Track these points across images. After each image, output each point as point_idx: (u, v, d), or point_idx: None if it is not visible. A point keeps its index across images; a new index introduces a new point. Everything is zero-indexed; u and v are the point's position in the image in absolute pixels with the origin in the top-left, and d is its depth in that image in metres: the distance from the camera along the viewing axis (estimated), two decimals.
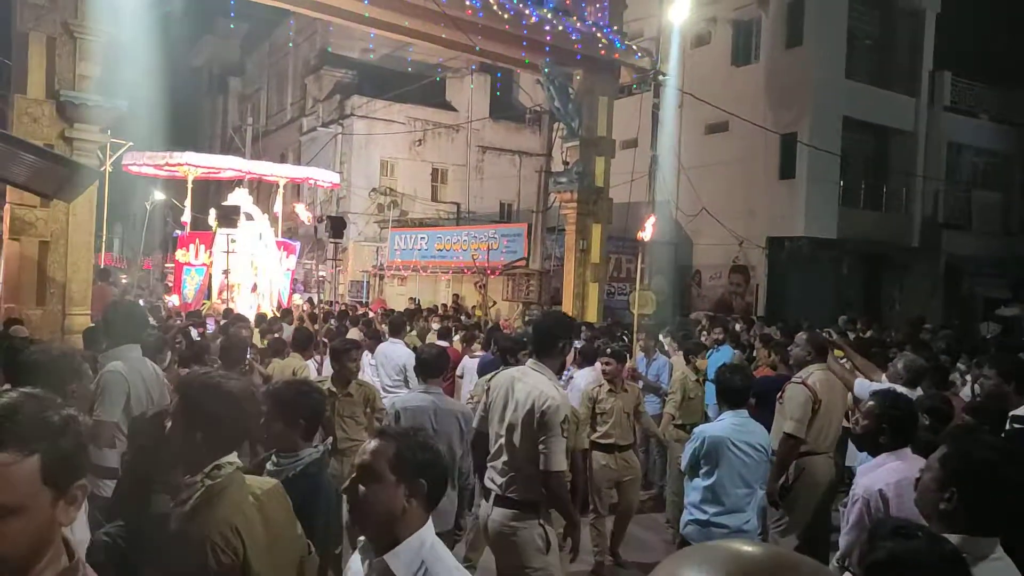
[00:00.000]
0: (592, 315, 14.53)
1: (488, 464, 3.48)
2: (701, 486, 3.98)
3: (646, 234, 8.65)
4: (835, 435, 4.94)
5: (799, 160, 19.13)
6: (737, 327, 11.78)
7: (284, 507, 2.28)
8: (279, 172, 16.97)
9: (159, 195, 25.80)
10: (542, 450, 3.26)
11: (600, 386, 5.72)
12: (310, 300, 17.45)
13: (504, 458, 3.38)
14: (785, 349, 6.31)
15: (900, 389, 5.13)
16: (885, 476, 2.84)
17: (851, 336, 12.97)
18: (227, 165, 15.87)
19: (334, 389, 4.78)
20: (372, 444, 1.91)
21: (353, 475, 1.92)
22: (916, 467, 2.90)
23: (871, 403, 3.05)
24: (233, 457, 2.17)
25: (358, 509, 1.89)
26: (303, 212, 13.11)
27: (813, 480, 4.84)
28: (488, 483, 3.47)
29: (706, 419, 7.18)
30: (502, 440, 3.39)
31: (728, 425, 4.02)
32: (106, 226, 16.48)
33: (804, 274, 19.40)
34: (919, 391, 5.32)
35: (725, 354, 7.84)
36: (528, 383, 3.40)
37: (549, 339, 3.54)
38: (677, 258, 21.13)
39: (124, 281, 24.56)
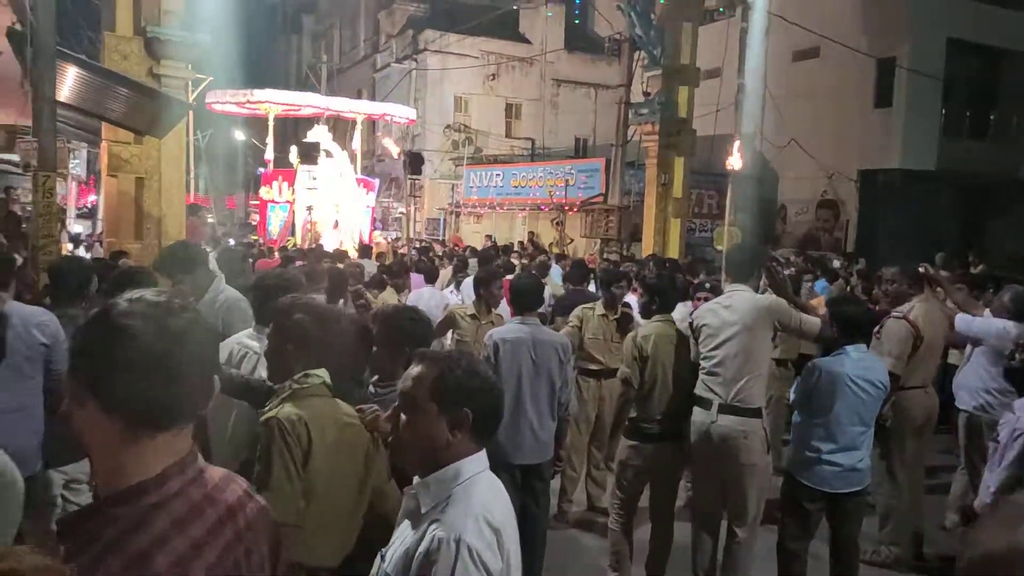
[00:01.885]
0: (674, 251, 14.18)
1: (705, 377, 3.92)
2: (813, 422, 3.75)
3: (735, 161, 8.23)
4: (934, 370, 4.79)
5: (897, 87, 17.93)
6: (836, 263, 11.29)
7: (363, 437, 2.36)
8: (356, 108, 16.96)
9: (239, 134, 26.30)
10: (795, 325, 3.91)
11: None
12: (396, 239, 17.64)
13: (730, 370, 3.83)
14: (884, 282, 5.99)
15: (1005, 322, 4.80)
16: None
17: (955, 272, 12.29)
18: (306, 102, 15.94)
19: (476, 315, 5.07)
20: (414, 370, 1.70)
21: (395, 404, 1.77)
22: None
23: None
24: (322, 372, 2.36)
25: (399, 441, 1.74)
26: (391, 145, 13.06)
27: (909, 415, 4.68)
28: (707, 394, 3.90)
29: (802, 358, 6.94)
30: (723, 355, 3.85)
31: (848, 359, 3.75)
32: (193, 164, 16.87)
33: (898, 209, 18.38)
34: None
35: (820, 289, 7.50)
36: (741, 298, 3.93)
37: (748, 265, 4.16)
38: (762, 192, 20.26)
39: (211, 220, 25.39)
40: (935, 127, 18.24)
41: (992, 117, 19.54)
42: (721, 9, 16.27)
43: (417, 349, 2.71)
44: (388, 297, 6.50)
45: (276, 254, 9.68)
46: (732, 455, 3.81)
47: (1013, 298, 5.05)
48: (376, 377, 2.96)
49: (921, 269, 5.52)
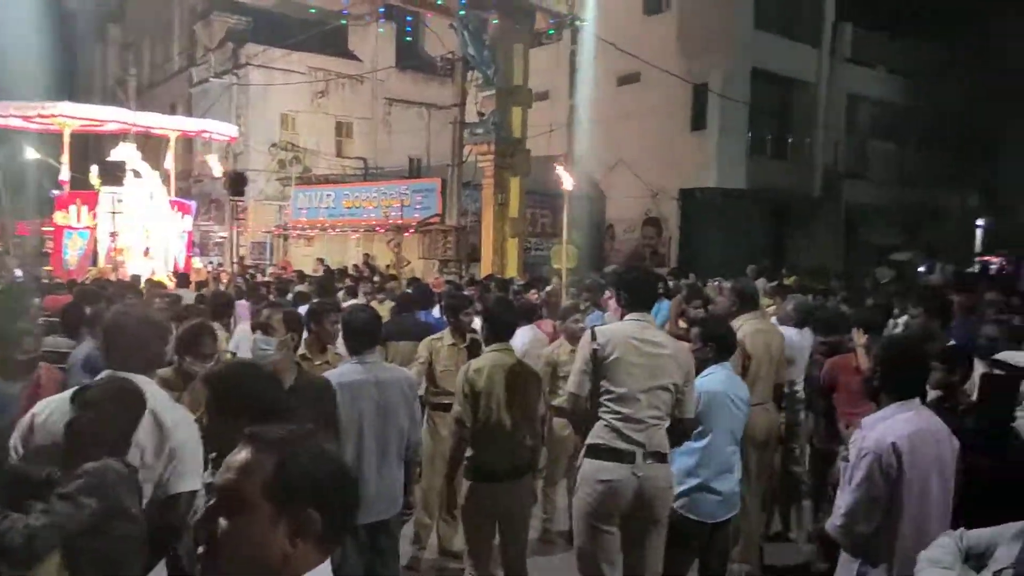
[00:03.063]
0: (512, 271, 14.20)
1: (616, 422, 3.34)
2: (694, 448, 3.60)
3: (567, 182, 8.21)
4: (768, 387, 4.75)
5: (710, 111, 19.24)
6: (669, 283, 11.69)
7: None
8: (169, 125, 15.52)
9: (31, 152, 23.45)
10: (681, 398, 3.42)
11: (559, 347, 5.29)
12: (218, 264, 16.31)
13: (651, 413, 3.35)
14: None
15: (790, 330, 5.08)
16: (897, 428, 2.57)
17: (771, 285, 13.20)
18: (110, 117, 14.35)
19: (308, 356, 4.27)
20: (239, 456, 1.28)
21: (210, 502, 1.32)
22: (930, 420, 2.66)
23: (874, 348, 2.80)
24: None
25: (213, 553, 1.27)
26: (215, 163, 11.95)
27: (748, 434, 4.69)
28: (621, 443, 3.32)
29: None
30: (643, 396, 3.34)
31: (722, 378, 3.71)
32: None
33: (715, 225, 19.66)
34: (807, 332, 5.30)
35: (662, 307, 7.63)
36: (659, 336, 3.53)
37: (648, 292, 3.68)
38: (591, 212, 20.98)
39: None
40: (743, 148, 19.76)
41: (789, 140, 21.52)
42: (551, 32, 16.64)
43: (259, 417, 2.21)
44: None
45: (66, 290, 8.46)
46: (654, 510, 3.38)
47: (796, 307, 5.38)
48: (214, 455, 2.39)
49: (716, 283, 5.75)
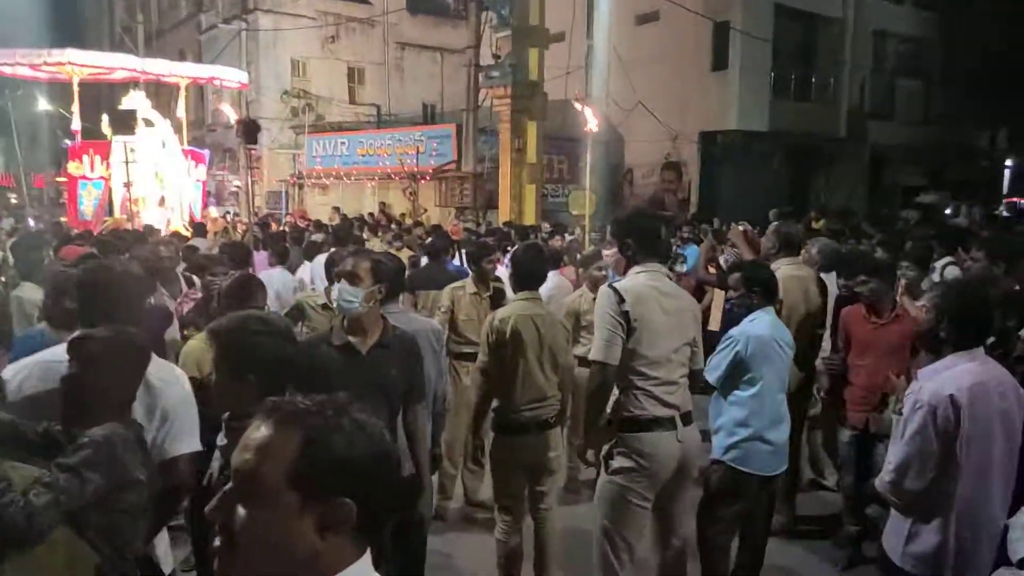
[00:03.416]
0: (530, 217, 13.99)
1: (652, 387, 3.10)
2: (743, 398, 3.39)
3: (591, 123, 7.92)
4: (800, 335, 4.52)
5: (732, 50, 18.63)
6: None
7: None
8: (179, 71, 15.20)
9: (44, 103, 23.27)
10: (696, 350, 3.28)
11: (581, 295, 5.12)
12: (234, 214, 16.21)
13: (680, 372, 3.19)
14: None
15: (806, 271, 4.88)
16: (957, 379, 2.42)
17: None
18: (118, 64, 14.04)
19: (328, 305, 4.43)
20: (259, 432, 1.06)
21: (227, 486, 1.08)
22: (995, 371, 2.51)
23: (932, 295, 2.62)
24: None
25: (230, 546, 1.05)
26: (229, 110, 11.69)
27: None
28: (664, 410, 3.11)
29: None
30: (674, 357, 3.16)
31: (768, 323, 3.48)
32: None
33: (736, 169, 19.24)
34: (833, 276, 5.13)
35: (692, 254, 7.45)
36: (674, 288, 3.29)
37: (660, 239, 3.32)
38: (609, 156, 20.60)
39: (14, 202, 22.44)
40: (766, 89, 19.18)
41: (813, 79, 20.86)
42: None
43: (266, 376, 2.03)
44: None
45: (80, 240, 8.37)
46: (690, 471, 3.27)
47: (821, 250, 5.17)
48: (227, 415, 2.21)
49: (741, 228, 5.53)
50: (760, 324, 3.47)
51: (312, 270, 6.94)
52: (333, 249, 5.93)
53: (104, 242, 8.02)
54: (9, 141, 39.95)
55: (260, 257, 8.21)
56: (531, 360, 3.57)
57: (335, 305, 3.02)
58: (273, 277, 6.64)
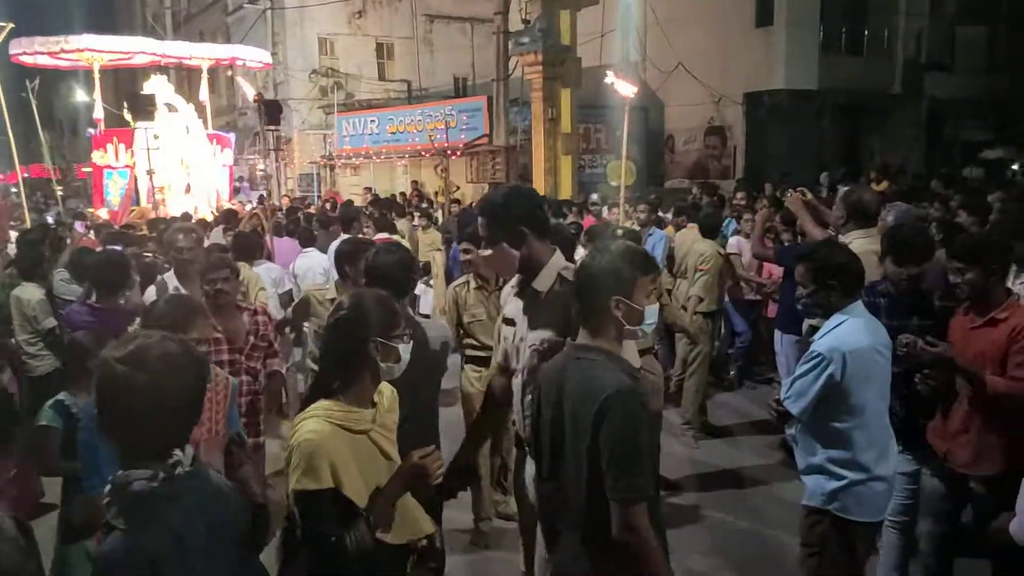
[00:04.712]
0: (566, 191, 13.31)
1: None
2: (845, 431, 2.67)
3: (625, 89, 7.16)
4: None
5: (777, 4, 17.54)
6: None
7: None
8: (199, 53, 14.77)
9: (81, 94, 23.23)
10: None
11: None
12: (260, 198, 15.85)
13: None
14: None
15: None
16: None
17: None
18: (137, 48, 13.67)
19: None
20: None
21: None
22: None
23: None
24: None
25: None
26: (247, 86, 11.25)
27: None
28: None
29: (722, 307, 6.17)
30: None
31: (863, 326, 2.70)
32: (41, 135, 14.17)
33: (784, 131, 18.22)
34: None
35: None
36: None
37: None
38: (648, 123, 19.70)
39: (60, 193, 22.23)
40: (815, 45, 18.03)
41: (865, 32, 19.56)
42: None
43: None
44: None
45: (92, 234, 8.01)
46: None
47: (899, 218, 4.41)
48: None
49: (797, 193, 4.77)
50: (853, 331, 2.68)
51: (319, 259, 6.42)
52: (340, 239, 5.38)
53: (118, 233, 7.66)
54: (55, 134, 40.60)
55: (285, 244, 7.75)
56: None
57: None
58: (312, 260, 6.31)
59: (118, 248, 4.86)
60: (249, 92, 10.85)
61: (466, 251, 4.29)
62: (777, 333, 5.18)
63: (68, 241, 7.25)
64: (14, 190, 13.05)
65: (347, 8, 23.14)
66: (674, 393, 5.84)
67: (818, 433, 2.75)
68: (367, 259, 3.19)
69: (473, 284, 4.23)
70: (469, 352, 4.22)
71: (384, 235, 6.89)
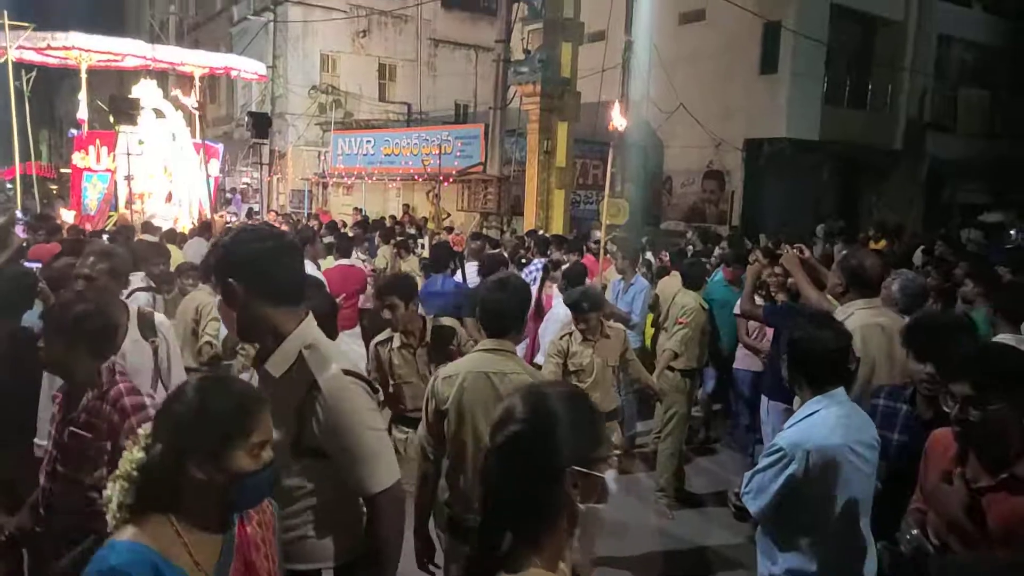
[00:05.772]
0: (558, 226, 12.97)
1: None
2: (805, 543, 2.28)
3: (617, 121, 6.75)
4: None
5: (783, 52, 17.39)
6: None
7: None
8: (191, 60, 14.43)
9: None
10: None
11: (570, 334, 4.12)
12: (238, 213, 15.51)
13: None
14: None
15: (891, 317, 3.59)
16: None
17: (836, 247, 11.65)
18: (126, 50, 13.35)
19: None
20: None
21: None
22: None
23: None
24: None
25: None
26: (186, 99, 10.85)
27: None
28: None
29: (708, 363, 5.73)
30: None
31: (834, 419, 2.27)
32: (29, 132, 13.80)
33: (783, 179, 18.01)
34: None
35: (716, 278, 6.32)
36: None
37: None
38: (647, 162, 19.48)
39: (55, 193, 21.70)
40: (818, 95, 17.90)
41: (870, 87, 19.47)
42: None
43: None
44: (195, 299, 4.75)
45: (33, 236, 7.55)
46: None
47: (904, 287, 3.96)
48: None
49: (795, 250, 4.38)
50: (822, 425, 2.26)
51: None
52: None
53: (74, 242, 7.22)
54: (54, 133, 40.05)
55: None
56: (485, 438, 2.53)
57: None
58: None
59: (27, 264, 4.41)
60: (188, 103, 10.60)
61: (390, 307, 3.62)
62: (764, 399, 4.77)
63: None
64: (9, 186, 12.59)
65: (352, 26, 22.99)
66: (649, 456, 5.41)
67: (779, 538, 2.36)
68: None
69: (396, 343, 3.74)
70: (398, 411, 3.78)
71: (345, 261, 6.49)
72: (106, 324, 2.43)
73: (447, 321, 3.84)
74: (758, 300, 5.10)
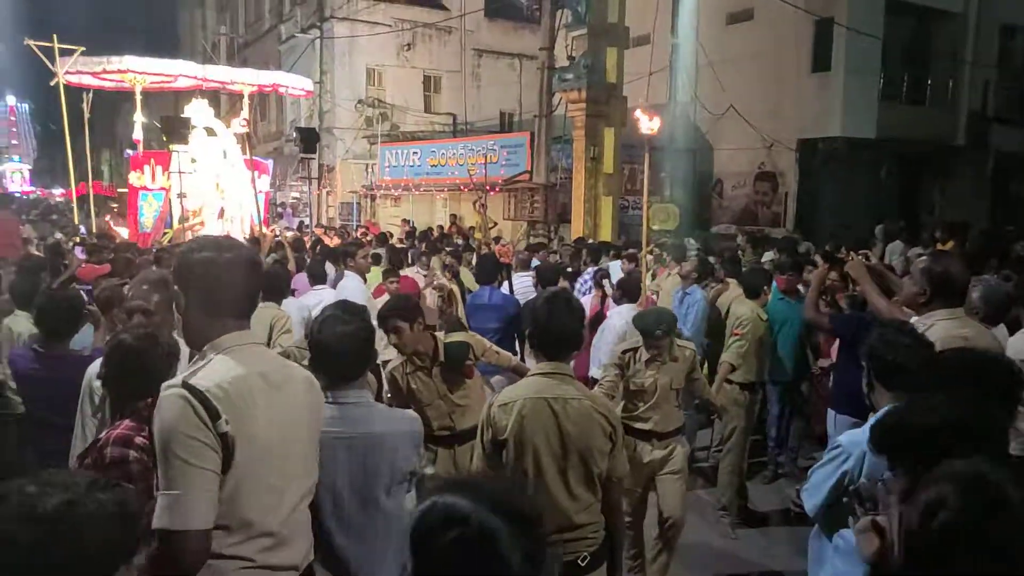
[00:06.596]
0: (606, 233, 12.77)
1: None
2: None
3: (646, 126, 6.48)
4: None
5: (835, 49, 16.87)
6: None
7: None
8: (240, 78, 14.72)
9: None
10: None
11: (635, 350, 3.90)
12: (291, 227, 15.68)
13: None
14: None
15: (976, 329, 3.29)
16: None
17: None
18: (178, 71, 13.66)
19: None
20: None
21: None
22: None
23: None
24: None
25: None
26: (235, 120, 10.95)
27: None
28: None
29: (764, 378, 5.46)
30: None
31: None
32: (88, 152, 14.30)
33: (839, 180, 17.42)
34: (1003, 331, 3.64)
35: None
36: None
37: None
38: (696, 166, 19.11)
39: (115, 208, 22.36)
40: (874, 92, 17.29)
41: (928, 81, 18.76)
42: None
43: None
44: (261, 317, 4.66)
45: (89, 258, 7.70)
46: None
47: (985, 296, 3.66)
48: None
49: (860, 256, 4.09)
50: None
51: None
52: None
53: (125, 261, 7.33)
54: (114, 153, 41.34)
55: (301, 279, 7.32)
56: (547, 468, 2.39)
57: None
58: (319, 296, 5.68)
59: (79, 288, 4.41)
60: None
61: (395, 331, 3.40)
62: (830, 413, 4.50)
63: (65, 266, 6.91)
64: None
65: (396, 40, 23.20)
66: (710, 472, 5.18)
67: (829, 539, 2.22)
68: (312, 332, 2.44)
69: (410, 367, 3.57)
70: (427, 431, 3.64)
71: (408, 272, 6.41)
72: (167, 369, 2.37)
73: (458, 336, 3.67)
74: (822, 307, 4.84)
